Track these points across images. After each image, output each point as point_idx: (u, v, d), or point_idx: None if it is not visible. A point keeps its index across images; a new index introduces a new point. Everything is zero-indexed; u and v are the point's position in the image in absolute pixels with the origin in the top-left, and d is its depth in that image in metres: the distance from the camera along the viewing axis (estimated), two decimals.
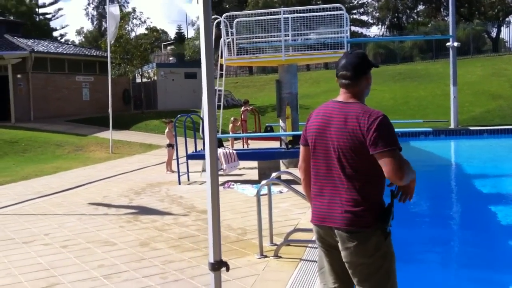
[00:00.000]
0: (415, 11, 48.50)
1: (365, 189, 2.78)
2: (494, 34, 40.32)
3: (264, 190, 5.85)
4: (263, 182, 5.64)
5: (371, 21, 50.73)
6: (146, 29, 31.05)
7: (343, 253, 2.85)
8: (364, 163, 2.78)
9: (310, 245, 5.73)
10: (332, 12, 11.98)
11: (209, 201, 2.55)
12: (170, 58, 39.24)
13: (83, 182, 11.29)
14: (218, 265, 2.59)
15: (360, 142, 2.75)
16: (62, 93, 26.80)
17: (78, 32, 59.81)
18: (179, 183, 10.61)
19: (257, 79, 37.65)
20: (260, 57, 12.86)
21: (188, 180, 10.96)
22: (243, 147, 15.73)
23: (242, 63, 15.96)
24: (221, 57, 12.64)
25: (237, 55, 12.84)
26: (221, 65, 12.84)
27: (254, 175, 10.98)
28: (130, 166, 14.15)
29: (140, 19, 28.56)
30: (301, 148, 3.09)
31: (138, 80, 30.61)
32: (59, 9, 55.02)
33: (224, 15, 12.68)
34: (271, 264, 5.19)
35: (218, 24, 12.87)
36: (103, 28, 55.99)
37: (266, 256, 5.40)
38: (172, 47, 51.91)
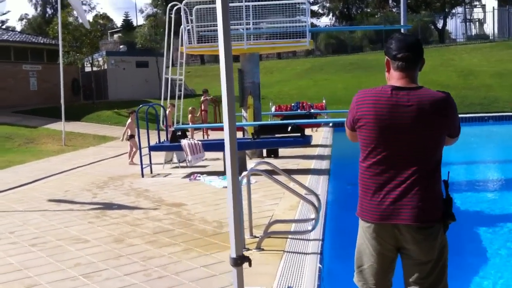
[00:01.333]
0: (364, 2, 49.31)
1: (435, 181, 2.63)
2: (440, 26, 41.60)
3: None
4: (244, 173, 5.52)
5: (322, 11, 51.30)
6: (95, 15, 30.17)
7: (409, 252, 2.68)
8: (438, 154, 2.66)
9: (290, 236, 5.68)
10: (295, 1, 11.95)
11: (230, 196, 2.43)
12: (120, 46, 38.24)
13: (40, 176, 10.81)
14: (241, 260, 2.48)
15: (442, 129, 2.62)
16: (7, 83, 25.62)
17: (21, 19, 57.34)
18: (142, 176, 10.32)
19: (209, 68, 37.26)
20: None
21: (151, 172, 10.69)
22: (203, 137, 15.52)
23: (203, 51, 15.61)
24: (181, 45, 12.37)
25: (197, 43, 12.58)
26: (181, 53, 12.56)
27: (218, 166, 10.83)
28: (86, 158, 13.69)
29: (89, 5, 27.70)
30: (351, 132, 2.89)
31: (88, 69, 29.66)
32: None
33: (184, 2, 12.37)
34: (255, 256, 5.08)
35: (178, 10, 12.55)
36: (47, 14, 53.92)
37: (248, 249, 5.30)
38: (119, 35, 50.73)
